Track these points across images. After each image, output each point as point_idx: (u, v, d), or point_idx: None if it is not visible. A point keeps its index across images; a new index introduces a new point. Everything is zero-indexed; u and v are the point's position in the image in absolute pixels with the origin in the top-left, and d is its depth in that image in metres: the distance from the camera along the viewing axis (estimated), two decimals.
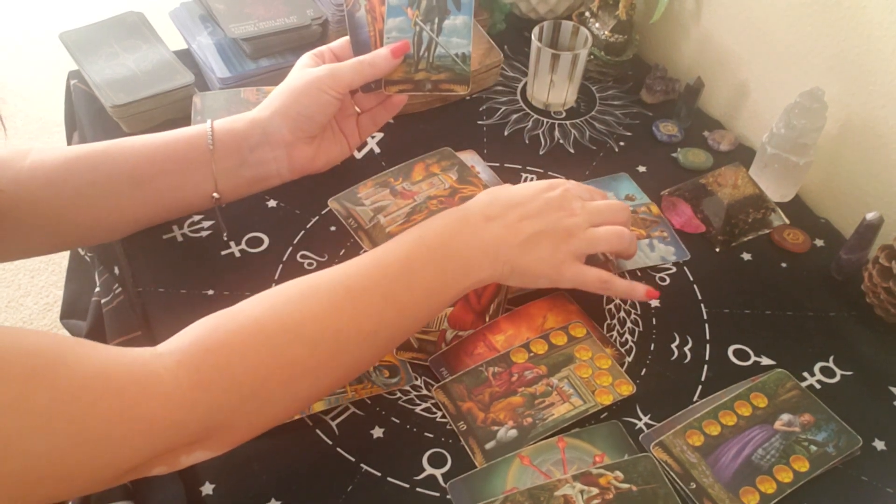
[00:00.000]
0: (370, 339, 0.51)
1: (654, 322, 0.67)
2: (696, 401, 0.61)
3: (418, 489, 0.54)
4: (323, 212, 0.74)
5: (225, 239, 0.69)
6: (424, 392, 0.60)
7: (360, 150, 0.81)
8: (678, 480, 0.55)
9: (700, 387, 0.62)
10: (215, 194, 0.63)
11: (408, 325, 0.55)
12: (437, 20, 0.63)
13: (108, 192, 0.59)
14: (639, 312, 0.68)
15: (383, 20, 0.63)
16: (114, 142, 0.60)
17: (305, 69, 0.63)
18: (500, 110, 0.88)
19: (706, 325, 0.67)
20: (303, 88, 0.61)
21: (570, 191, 0.61)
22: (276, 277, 0.67)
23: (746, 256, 0.74)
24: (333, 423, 0.58)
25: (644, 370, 0.63)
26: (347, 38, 0.66)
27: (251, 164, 0.61)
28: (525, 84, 0.92)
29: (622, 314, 0.67)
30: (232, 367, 0.46)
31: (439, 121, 0.84)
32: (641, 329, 0.66)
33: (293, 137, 0.62)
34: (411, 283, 0.53)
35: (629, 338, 0.66)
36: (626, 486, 0.54)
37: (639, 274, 0.71)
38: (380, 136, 0.83)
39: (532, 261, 0.58)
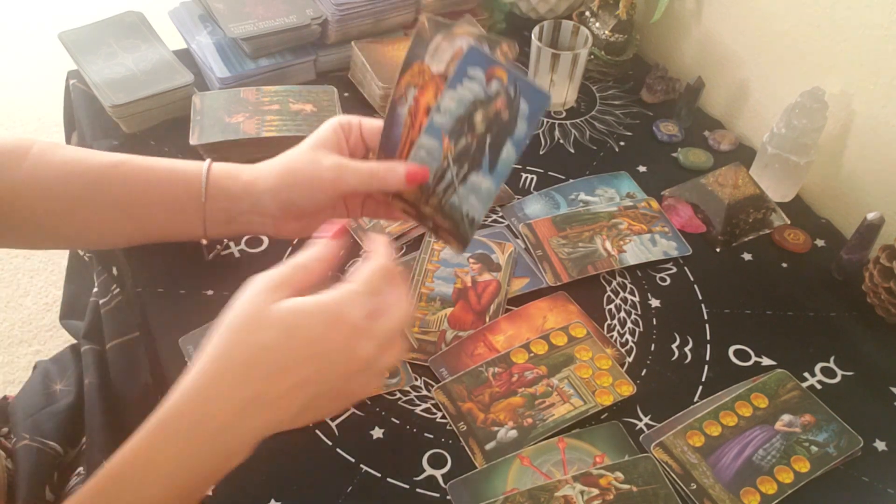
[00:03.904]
0: None
1: (654, 322, 0.67)
2: (697, 401, 0.61)
3: (418, 490, 0.54)
4: None
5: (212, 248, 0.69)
6: (424, 392, 0.60)
7: None
8: (679, 481, 0.54)
9: (701, 387, 0.62)
10: (203, 241, 0.63)
11: None
12: (466, 167, 0.55)
13: (101, 213, 0.59)
14: (639, 313, 0.68)
15: (420, 131, 0.57)
16: (113, 162, 0.59)
17: (319, 151, 0.58)
18: None
19: (707, 326, 0.67)
20: (302, 180, 0.58)
21: (357, 329, 0.45)
22: None
23: (747, 256, 0.74)
24: (333, 424, 0.58)
25: (644, 370, 0.63)
26: (380, 122, 0.60)
27: (239, 222, 0.61)
28: None
29: (622, 314, 0.67)
30: None
31: None
32: (642, 329, 0.66)
33: (282, 215, 0.60)
34: None
35: (629, 338, 0.66)
36: (626, 486, 0.54)
37: (639, 273, 0.71)
38: None
39: (312, 418, 0.47)
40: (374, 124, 0.60)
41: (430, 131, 0.56)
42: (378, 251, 0.49)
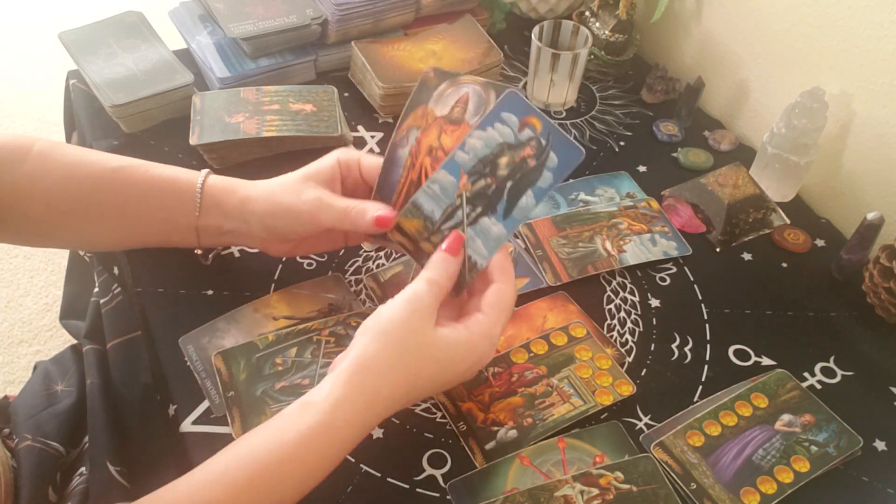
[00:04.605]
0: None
1: (654, 322, 0.67)
2: (697, 401, 0.61)
3: (418, 489, 0.54)
4: None
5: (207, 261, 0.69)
6: None
7: (359, 149, 0.81)
8: (678, 481, 0.55)
9: (700, 387, 0.62)
10: (198, 251, 0.64)
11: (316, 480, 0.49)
12: (479, 210, 0.54)
13: (97, 219, 0.60)
14: (639, 313, 0.68)
15: (423, 173, 0.56)
16: (113, 168, 0.60)
17: (306, 183, 0.58)
18: None
19: (707, 326, 0.67)
20: (284, 209, 0.58)
21: (493, 350, 0.54)
22: (275, 278, 0.67)
23: (747, 256, 0.74)
24: None
25: (644, 370, 0.63)
26: (379, 159, 0.60)
27: (232, 235, 0.62)
28: (525, 84, 0.92)
29: (622, 314, 0.67)
30: None
31: None
32: (642, 329, 0.66)
33: (268, 237, 0.61)
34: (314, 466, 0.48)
35: (629, 338, 0.66)
36: (626, 486, 0.54)
37: (639, 273, 0.71)
38: (380, 135, 0.83)
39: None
40: (373, 162, 0.60)
41: (449, 167, 0.54)
42: (506, 273, 0.54)
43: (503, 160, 0.53)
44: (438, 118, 0.57)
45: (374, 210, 0.56)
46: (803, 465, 0.56)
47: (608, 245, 0.72)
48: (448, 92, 0.58)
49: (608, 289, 0.69)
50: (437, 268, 0.53)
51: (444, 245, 0.54)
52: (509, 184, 0.53)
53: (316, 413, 0.47)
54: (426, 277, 0.52)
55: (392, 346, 0.49)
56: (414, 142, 0.57)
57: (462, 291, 0.55)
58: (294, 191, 0.58)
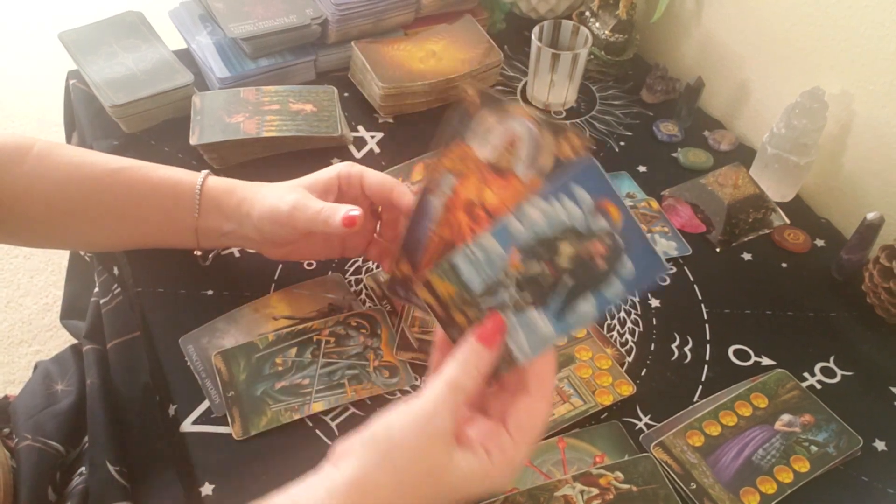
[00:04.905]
0: None
1: (654, 322, 0.67)
2: (697, 401, 0.61)
3: None
4: None
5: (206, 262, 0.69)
6: None
7: (359, 149, 0.81)
8: (678, 481, 0.55)
9: (700, 387, 0.62)
10: (197, 252, 0.64)
11: None
12: (528, 298, 0.44)
13: (96, 220, 0.60)
14: (639, 312, 0.68)
15: (459, 234, 0.48)
16: (112, 169, 0.60)
17: (296, 189, 0.58)
18: None
19: (706, 326, 0.67)
20: (268, 211, 0.57)
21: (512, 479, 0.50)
22: (275, 278, 0.67)
23: (747, 256, 0.74)
24: (333, 424, 0.58)
25: (644, 370, 0.63)
26: (383, 176, 0.57)
27: (231, 237, 0.62)
28: (525, 84, 0.92)
29: (622, 314, 0.67)
30: None
31: (439, 120, 0.84)
32: (642, 329, 0.66)
33: (262, 240, 0.61)
34: None
35: (629, 338, 0.66)
36: (626, 486, 0.54)
37: None
38: (380, 135, 0.83)
39: None
40: (376, 178, 0.59)
41: (499, 235, 0.44)
42: (544, 387, 0.45)
43: (566, 248, 0.43)
44: (480, 163, 0.48)
45: (344, 210, 0.54)
46: (803, 465, 0.56)
47: None
48: (493, 126, 0.48)
49: None
50: (466, 366, 0.44)
51: (479, 331, 0.44)
52: (569, 281, 0.43)
53: None
54: (449, 379, 0.43)
55: (398, 473, 0.42)
56: (450, 191, 0.48)
57: (492, 383, 0.46)
58: (280, 194, 0.58)
